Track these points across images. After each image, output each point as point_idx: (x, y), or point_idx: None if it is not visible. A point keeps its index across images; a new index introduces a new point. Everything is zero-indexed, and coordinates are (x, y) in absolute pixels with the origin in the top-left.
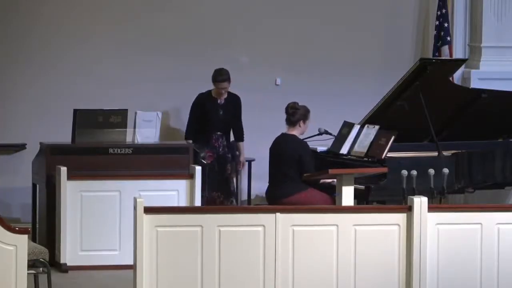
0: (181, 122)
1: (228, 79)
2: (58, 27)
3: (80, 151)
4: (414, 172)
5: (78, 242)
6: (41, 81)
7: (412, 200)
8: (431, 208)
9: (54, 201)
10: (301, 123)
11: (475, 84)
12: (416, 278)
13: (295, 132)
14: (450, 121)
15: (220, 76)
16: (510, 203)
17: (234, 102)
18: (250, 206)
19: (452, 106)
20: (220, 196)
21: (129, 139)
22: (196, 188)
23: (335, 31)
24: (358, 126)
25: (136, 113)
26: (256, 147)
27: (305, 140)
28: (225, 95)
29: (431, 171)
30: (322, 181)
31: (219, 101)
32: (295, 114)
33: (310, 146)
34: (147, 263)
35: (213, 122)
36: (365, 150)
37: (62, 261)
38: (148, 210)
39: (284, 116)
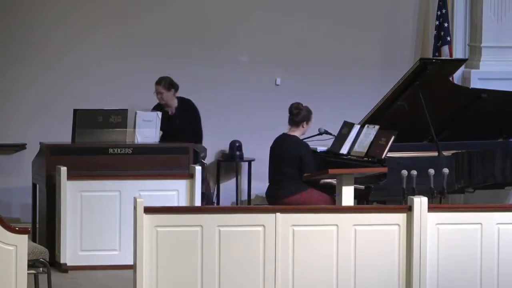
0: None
1: (163, 84)
2: (58, 27)
3: (80, 151)
4: (414, 172)
5: (78, 242)
6: (41, 81)
7: (412, 200)
8: (431, 208)
9: (54, 201)
10: (304, 124)
11: (475, 84)
12: (416, 278)
13: (296, 132)
14: (450, 121)
15: (158, 79)
16: (510, 203)
17: (186, 107)
18: (250, 206)
19: (452, 106)
20: None
21: (129, 139)
22: (196, 188)
23: (335, 31)
24: (358, 126)
25: (136, 113)
26: (256, 147)
27: (305, 140)
28: (174, 104)
29: (431, 171)
30: (322, 181)
31: (170, 113)
32: (299, 114)
33: (310, 146)
34: (147, 263)
35: (169, 135)
36: (365, 150)
37: (62, 261)
38: (148, 210)
39: (284, 116)
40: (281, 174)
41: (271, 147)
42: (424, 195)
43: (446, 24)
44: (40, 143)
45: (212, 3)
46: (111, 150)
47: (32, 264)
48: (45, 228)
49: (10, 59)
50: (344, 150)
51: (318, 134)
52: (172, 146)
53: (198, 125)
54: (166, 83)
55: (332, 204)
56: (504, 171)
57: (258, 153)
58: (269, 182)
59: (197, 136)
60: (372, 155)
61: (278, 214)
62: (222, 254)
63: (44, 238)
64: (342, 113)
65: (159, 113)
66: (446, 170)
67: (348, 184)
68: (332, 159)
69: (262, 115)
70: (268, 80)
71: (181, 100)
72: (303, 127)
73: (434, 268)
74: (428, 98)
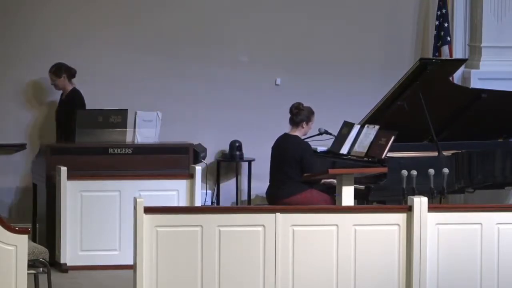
0: (182, 122)
1: (53, 71)
2: (58, 27)
3: (80, 151)
4: (414, 172)
5: (78, 242)
6: (41, 81)
7: (412, 200)
8: (431, 208)
9: (54, 201)
10: (304, 124)
11: (475, 84)
12: (416, 278)
13: (297, 132)
14: (450, 121)
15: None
16: (510, 203)
17: (71, 97)
18: (250, 206)
19: (452, 106)
20: None
21: (129, 139)
22: (196, 188)
23: (335, 31)
24: (358, 126)
25: (136, 113)
26: (256, 147)
27: (305, 140)
28: (67, 92)
29: (431, 171)
30: (323, 181)
31: (63, 97)
32: (299, 114)
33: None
34: (147, 263)
35: (57, 118)
36: (365, 150)
37: (62, 261)
38: (148, 210)
39: (284, 115)
40: (282, 174)
41: (272, 147)
42: (424, 195)
43: (446, 24)
44: (40, 143)
45: (212, 4)
46: (111, 150)
47: (32, 264)
48: (45, 228)
49: (10, 59)
50: (344, 150)
51: (318, 134)
52: (172, 146)
53: (71, 121)
54: (55, 70)
55: (332, 204)
56: (504, 171)
57: (258, 153)
58: (270, 181)
59: (68, 132)
60: (372, 155)
61: (278, 214)
62: (222, 254)
63: (44, 238)
64: (342, 113)
65: (159, 113)
66: (446, 170)
67: (348, 184)
68: (332, 159)
69: (262, 115)
70: (268, 80)
71: (72, 90)
72: (302, 127)
73: (434, 268)
74: (428, 98)
